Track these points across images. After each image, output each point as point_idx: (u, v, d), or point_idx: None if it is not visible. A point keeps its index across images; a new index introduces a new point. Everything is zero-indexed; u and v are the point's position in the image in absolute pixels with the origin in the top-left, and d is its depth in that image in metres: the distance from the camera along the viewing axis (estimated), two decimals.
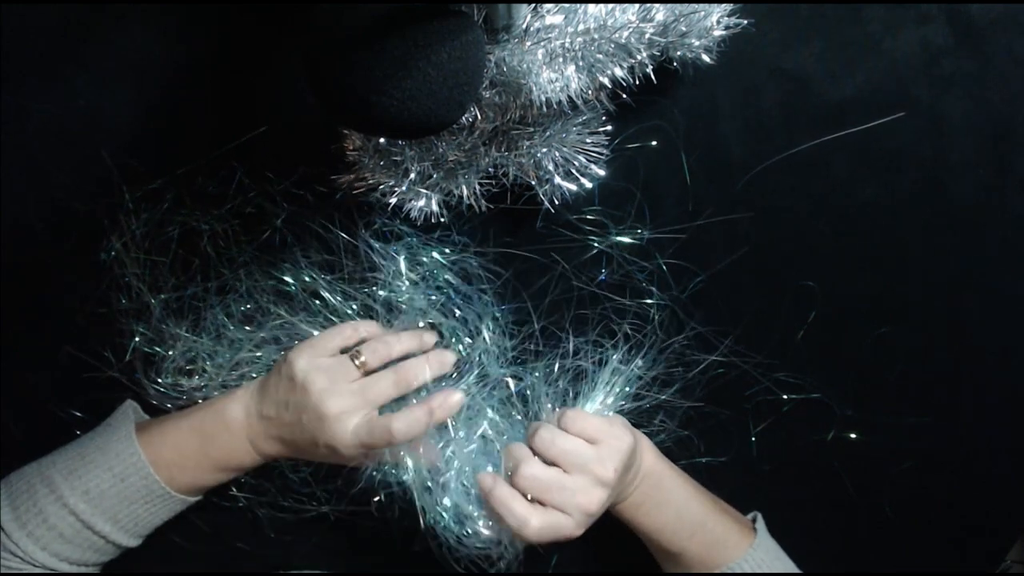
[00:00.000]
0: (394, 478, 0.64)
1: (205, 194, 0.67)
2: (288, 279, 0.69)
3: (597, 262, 0.68)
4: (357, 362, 0.63)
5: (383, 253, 0.67)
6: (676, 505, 0.64)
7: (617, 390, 0.66)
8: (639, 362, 0.67)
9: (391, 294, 0.67)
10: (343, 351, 0.65)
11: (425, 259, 0.68)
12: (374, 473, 0.64)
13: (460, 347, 0.67)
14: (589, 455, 0.58)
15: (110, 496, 0.62)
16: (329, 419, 0.61)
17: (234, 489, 0.72)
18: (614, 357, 0.66)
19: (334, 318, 0.68)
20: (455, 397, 0.62)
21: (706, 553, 0.63)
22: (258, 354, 0.69)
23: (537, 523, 0.57)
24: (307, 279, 0.69)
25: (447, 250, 0.68)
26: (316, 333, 0.67)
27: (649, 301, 0.68)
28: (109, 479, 0.62)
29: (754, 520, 0.68)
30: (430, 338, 0.67)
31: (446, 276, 0.68)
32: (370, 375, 0.63)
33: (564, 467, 0.58)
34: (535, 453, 0.59)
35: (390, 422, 0.60)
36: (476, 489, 0.62)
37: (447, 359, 0.66)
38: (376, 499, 0.67)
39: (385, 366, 0.64)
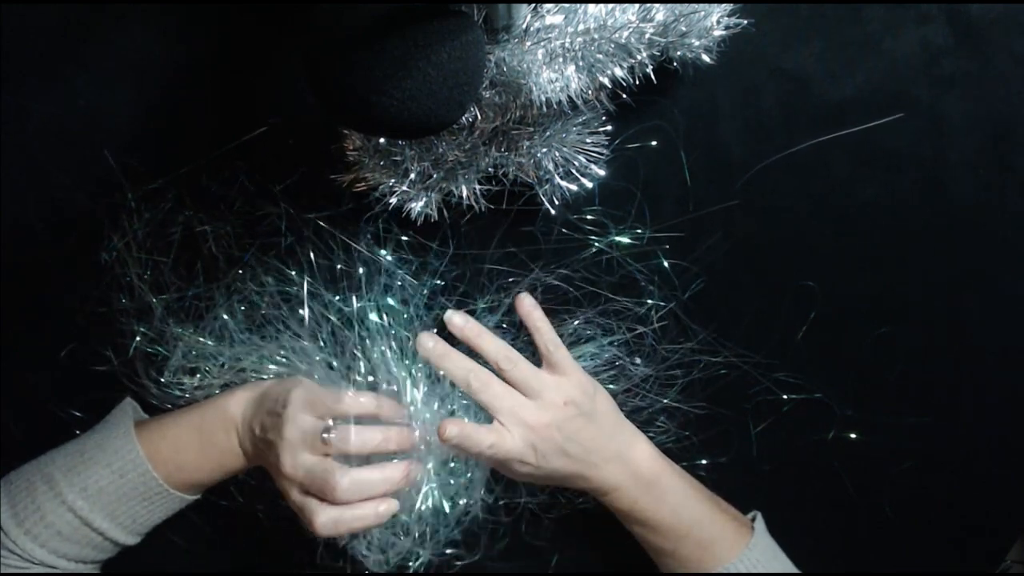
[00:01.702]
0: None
1: (206, 194, 0.67)
2: (288, 280, 0.69)
3: (597, 262, 0.68)
4: (325, 439, 0.59)
5: (385, 267, 0.67)
6: (672, 503, 0.64)
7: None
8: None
9: (386, 300, 0.67)
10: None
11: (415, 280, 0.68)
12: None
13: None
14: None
15: (108, 493, 0.62)
16: (280, 476, 0.60)
17: (233, 489, 0.72)
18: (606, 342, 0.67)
19: (334, 317, 0.68)
20: (390, 507, 0.60)
21: (701, 552, 0.63)
22: (258, 355, 0.69)
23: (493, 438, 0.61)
24: (308, 279, 0.69)
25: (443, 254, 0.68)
26: (318, 335, 0.67)
27: (649, 301, 0.68)
28: (107, 476, 0.62)
29: (753, 519, 0.68)
30: (401, 441, 0.62)
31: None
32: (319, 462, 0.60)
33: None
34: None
35: (313, 517, 0.58)
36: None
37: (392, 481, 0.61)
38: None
39: None
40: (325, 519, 0.58)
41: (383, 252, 0.68)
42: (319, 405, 0.61)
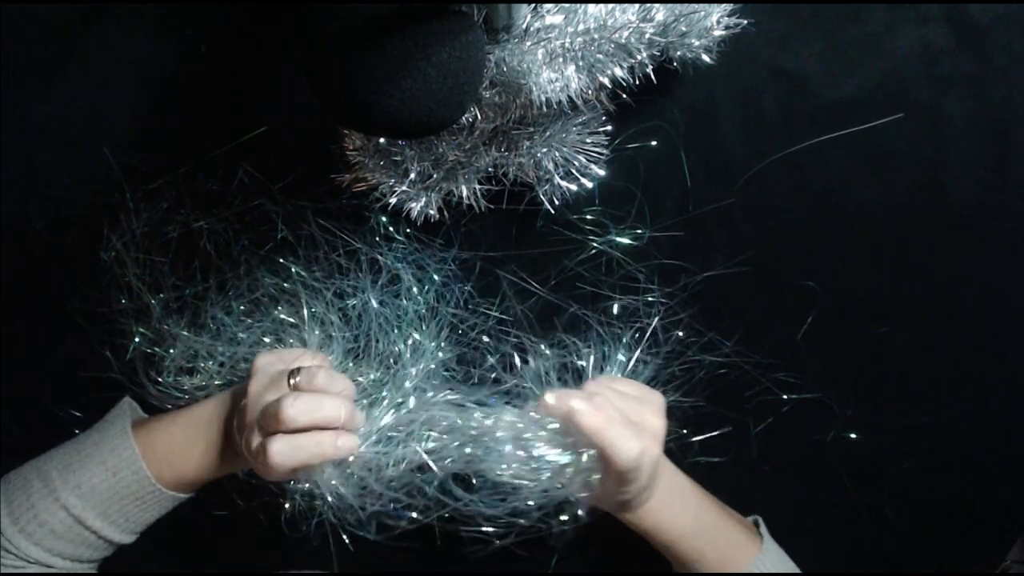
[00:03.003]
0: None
1: (205, 194, 0.67)
2: (287, 278, 0.69)
3: (597, 262, 0.68)
4: (291, 381, 0.58)
5: (386, 262, 0.67)
6: (692, 510, 0.63)
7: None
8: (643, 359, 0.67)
9: (386, 297, 0.68)
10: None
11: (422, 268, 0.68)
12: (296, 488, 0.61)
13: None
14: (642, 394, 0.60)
15: (101, 491, 0.62)
16: (245, 428, 0.58)
17: (232, 491, 0.72)
18: (619, 355, 0.66)
19: (333, 317, 0.68)
20: (347, 443, 0.57)
21: (723, 557, 0.63)
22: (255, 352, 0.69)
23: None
24: (307, 278, 0.69)
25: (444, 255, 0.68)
26: (317, 332, 0.67)
27: (650, 298, 0.68)
28: (101, 473, 0.62)
29: (756, 524, 0.68)
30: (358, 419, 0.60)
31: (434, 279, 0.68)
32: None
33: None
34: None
35: (266, 445, 0.55)
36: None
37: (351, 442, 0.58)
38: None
39: None
40: (280, 445, 0.54)
41: (393, 240, 0.67)
42: (280, 358, 0.62)
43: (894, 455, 0.72)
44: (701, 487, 0.66)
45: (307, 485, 0.60)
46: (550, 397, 0.56)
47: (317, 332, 0.67)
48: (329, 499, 0.59)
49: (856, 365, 0.70)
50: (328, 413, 0.56)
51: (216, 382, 0.69)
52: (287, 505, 0.65)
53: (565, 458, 0.57)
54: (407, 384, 0.64)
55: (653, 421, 0.58)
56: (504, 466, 0.57)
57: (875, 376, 0.71)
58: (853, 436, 0.71)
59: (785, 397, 0.70)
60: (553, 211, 0.66)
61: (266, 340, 0.69)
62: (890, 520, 0.73)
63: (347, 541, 0.66)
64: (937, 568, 0.75)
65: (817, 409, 0.70)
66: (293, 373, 0.58)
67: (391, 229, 0.68)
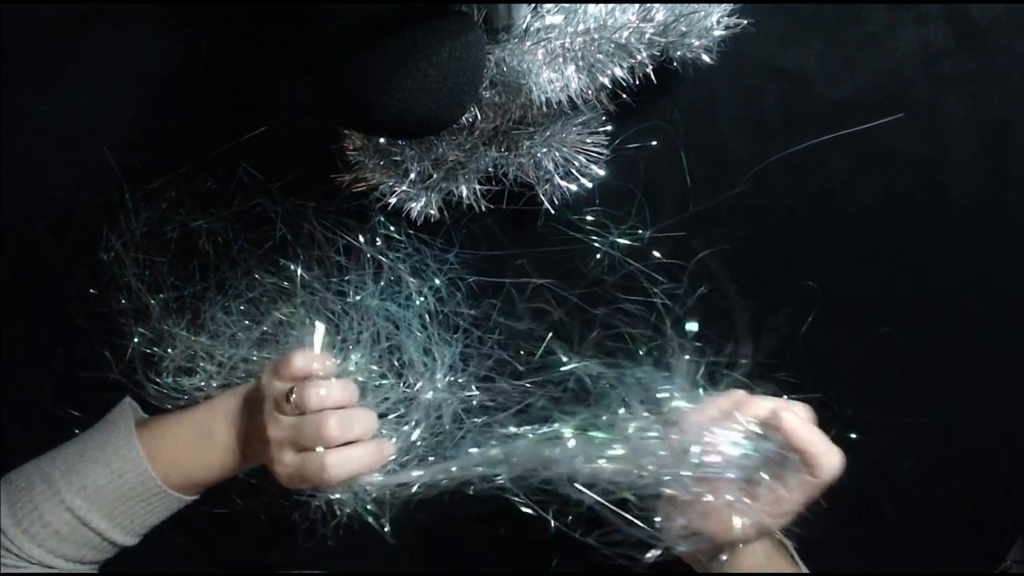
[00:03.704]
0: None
1: (205, 194, 0.67)
2: (287, 278, 0.69)
3: (597, 262, 0.68)
4: (290, 401, 0.60)
5: (388, 261, 0.67)
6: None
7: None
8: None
9: (387, 296, 0.68)
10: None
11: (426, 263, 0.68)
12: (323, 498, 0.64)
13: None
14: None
15: (107, 493, 0.62)
16: (270, 443, 0.60)
17: (232, 491, 0.72)
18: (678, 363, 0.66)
19: (333, 316, 0.68)
20: (388, 449, 0.63)
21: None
22: (256, 356, 0.69)
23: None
24: (306, 278, 0.69)
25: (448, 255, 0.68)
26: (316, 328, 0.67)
27: (651, 299, 0.68)
28: (107, 475, 0.62)
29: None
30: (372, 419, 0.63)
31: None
32: (305, 415, 0.61)
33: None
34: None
35: (323, 460, 0.59)
36: None
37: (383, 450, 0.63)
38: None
39: None
40: (335, 459, 0.59)
41: (393, 239, 0.68)
42: (282, 368, 0.62)
43: (894, 455, 0.72)
44: None
45: (338, 494, 0.64)
46: (743, 400, 0.59)
47: (322, 335, 0.67)
48: (368, 500, 0.64)
49: (856, 365, 0.70)
50: (363, 425, 0.61)
51: (215, 382, 0.69)
52: (314, 504, 0.66)
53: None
54: (430, 393, 0.65)
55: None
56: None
57: (875, 376, 0.71)
58: (853, 436, 0.71)
59: (785, 397, 0.70)
60: (553, 211, 0.66)
61: (267, 338, 0.69)
62: (890, 520, 0.73)
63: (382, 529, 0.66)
64: (937, 568, 0.75)
65: (817, 409, 0.70)
66: (289, 393, 0.60)
67: (391, 228, 0.68)
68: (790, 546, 0.66)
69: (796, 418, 0.57)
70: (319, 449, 0.59)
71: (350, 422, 0.60)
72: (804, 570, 0.65)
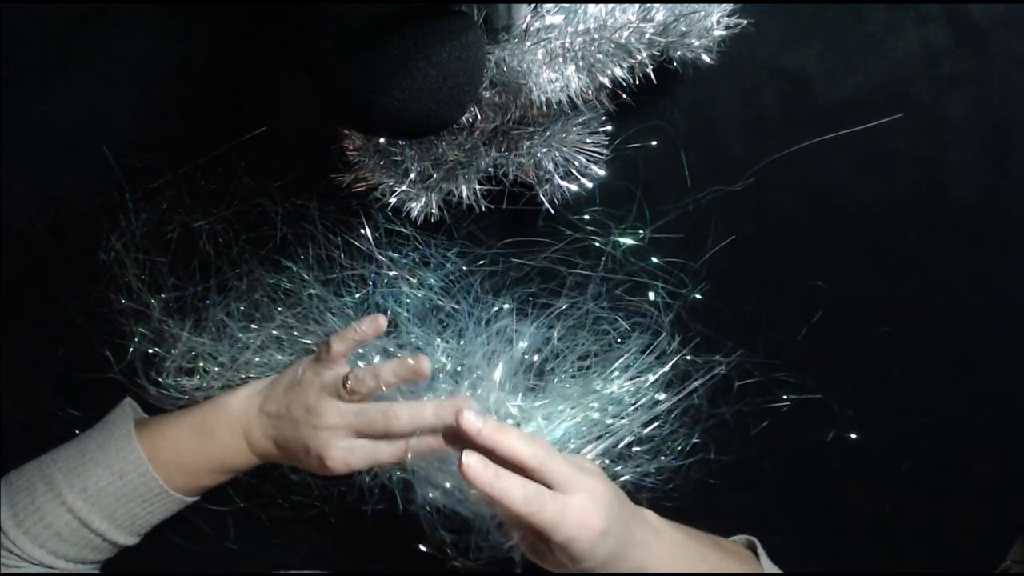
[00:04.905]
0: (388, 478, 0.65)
1: (205, 193, 0.67)
2: (287, 278, 0.69)
3: (597, 262, 0.68)
4: (347, 386, 0.63)
5: (387, 259, 0.67)
6: (697, 559, 0.61)
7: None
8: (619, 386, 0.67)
9: (387, 296, 0.68)
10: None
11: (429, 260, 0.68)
12: (366, 478, 0.66)
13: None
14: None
15: (108, 494, 0.62)
16: (322, 430, 0.62)
17: (232, 491, 0.72)
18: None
19: (332, 316, 0.68)
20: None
21: None
22: (258, 356, 0.69)
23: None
24: (307, 277, 0.69)
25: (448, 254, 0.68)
26: (317, 329, 0.68)
27: (651, 297, 0.68)
28: (108, 477, 0.62)
29: (749, 546, 0.68)
30: (424, 365, 0.63)
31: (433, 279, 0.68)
32: (364, 402, 0.64)
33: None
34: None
35: (377, 450, 0.62)
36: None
37: (444, 410, 0.61)
38: (368, 507, 0.68)
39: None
40: (417, 443, 0.61)
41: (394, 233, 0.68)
42: (326, 360, 0.64)
43: (894, 455, 0.72)
44: (693, 530, 0.64)
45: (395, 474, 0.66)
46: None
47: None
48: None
49: (856, 365, 0.70)
50: (427, 419, 0.61)
51: (217, 383, 0.69)
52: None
53: None
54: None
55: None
56: None
57: (875, 376, 0.71)
58: (853, 436, 0.71)
59: (785, 397, 0.70)
60: (553, 211, 0.66)
61: (268, 338, 0.69)
62: (890, 520, 0.73)
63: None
64: (937, 568, 0.75)
65: (817, 409, 0.70)
66: (345, 379, 0.63)
67: (396, 224, 0.68)
68: (757, 545, 0.67)
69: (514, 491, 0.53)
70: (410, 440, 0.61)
71: (416, 414, 0.61)
72: (770, 566, 0.65)
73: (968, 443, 0.72)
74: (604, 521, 0.53)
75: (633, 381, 0.67)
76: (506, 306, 0.68)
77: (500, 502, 0.52)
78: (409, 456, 0.62)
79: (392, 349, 0.68)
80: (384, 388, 0.63)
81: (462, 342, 0.67)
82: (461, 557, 0.67)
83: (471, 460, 0.53)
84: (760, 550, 0.66)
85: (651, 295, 0.68)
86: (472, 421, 0.55)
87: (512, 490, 0.52)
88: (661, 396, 0.69)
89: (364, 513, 0.71)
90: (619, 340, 0.68)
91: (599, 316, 0.68)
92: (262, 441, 0.65)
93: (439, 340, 0.68)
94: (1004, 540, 0.76)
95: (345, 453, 0.62)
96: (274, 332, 0.69)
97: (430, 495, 0.65)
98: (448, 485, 0.64)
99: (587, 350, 0.68)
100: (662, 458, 0.68)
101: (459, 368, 0.66)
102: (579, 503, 0.54)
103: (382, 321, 0.65)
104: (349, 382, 0.63)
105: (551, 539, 0.53)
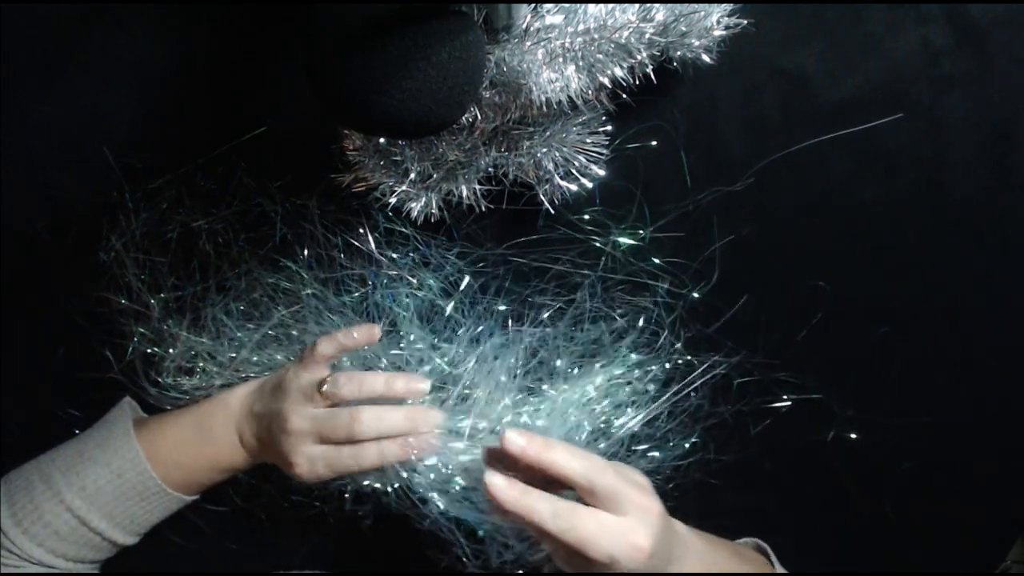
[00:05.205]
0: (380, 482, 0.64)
1: (205, 193, 0.67)
2: (287, 277, 0.69)
3: (597, 262, 0.68)
4: (321, 391, 0.60)
5: (388, 259, 0.67)
6: (725, 567, 0.60)
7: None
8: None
9: (387, 296, 0.67)
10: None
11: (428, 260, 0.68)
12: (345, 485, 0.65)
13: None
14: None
15: (106, 493, 0.62)
16: (289, 435, 0.61)
17: (232, 491, 0.72)
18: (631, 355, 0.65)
19: (332, 316, 0.68)
20: (426, 440, 0.60)
21: None
22: (257, 355, 0.69)
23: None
24: (306, 277, 0.69)
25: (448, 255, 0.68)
26: (317, 329, 0.67)
27: (652, 298, 0.68)
28: (106, 475, 0.62)
29: (758, 550, 0.67)
30: (419, 386, 0.61)
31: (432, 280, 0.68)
32: (336, 407, 0.61)
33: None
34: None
35: (340, 457, 0.60)
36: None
37: (423, 418, 0.60)
38: (364, 508, 0.68)
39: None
40: (372, 449, 0.59)
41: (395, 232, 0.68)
42: (308, 361, 0.62)
43: (894, 455, 0.72)
44: (713, 536, 0.64)
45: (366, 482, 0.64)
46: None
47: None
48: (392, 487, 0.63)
49: (856, 365, 0.70)
50: (399, 423, 0.59)
51: (216, 382, 0.69)
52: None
53: None
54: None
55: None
56: None
57: (875, 376, 0.71)
58: (853, 436, 0.71)
59: (785, 397, 0.70)
60: (553, 211, 0.66)
61: (268, 338, 0.69)
62: (890, 520, 0.73)
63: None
64: (937, 568, 0.75)
65: (817, 409, 0.70)
66: (323, 382, 0.60)
67: (396, 224, 0.68)
68: (767, 549, 0.66)
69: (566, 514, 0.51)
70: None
71: (380, 418, 0.59)
72: (781, 570, 0.65)
73: (968, 443, 0.72)
74: (653, 543, 0.52)
75: (632, 381, 0.67)
76: (503, 307, 0.68)
77: (528, 521, 0.51)
78: (379, 464, 0.60)
79: (385, 363, 0.67)
80: (365, 398, 0.60)
81: (461, 349, 0.66)
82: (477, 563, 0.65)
83: (495, 480, 0.52)
84: (772, 556, 0.66)
85: (651, 295, 0.68)
86: (515, 440, 0.52)
87: (539, 507, 0.51)
88: (661, 396, 0.68)
89: (364, 513, 0.71)
90: (618, 340, 0.68)
91: (598, 316, 0.68)
92: (252, 441, 0.64)
93: (438, 341, 0.67)
94: (1004, 540, 0.76)
95: (309, 460, 0.60)
96: (272, 332, 0.69)
97: (442, 506, 0.62)
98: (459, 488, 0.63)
99: (586, 351, 0.68)
100: (657, 453, 0.68)
101: (454, 373, 0.65)
102: (630, 524, 0.52)
103: (376, 331, 0.63)
104: (325, 387, 0.60)
105: (587, 555, 0.51)
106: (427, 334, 0.67)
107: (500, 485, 0.52)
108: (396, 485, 0.64)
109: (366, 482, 0.65)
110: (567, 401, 0.65)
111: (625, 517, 0.52)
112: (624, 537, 0.51)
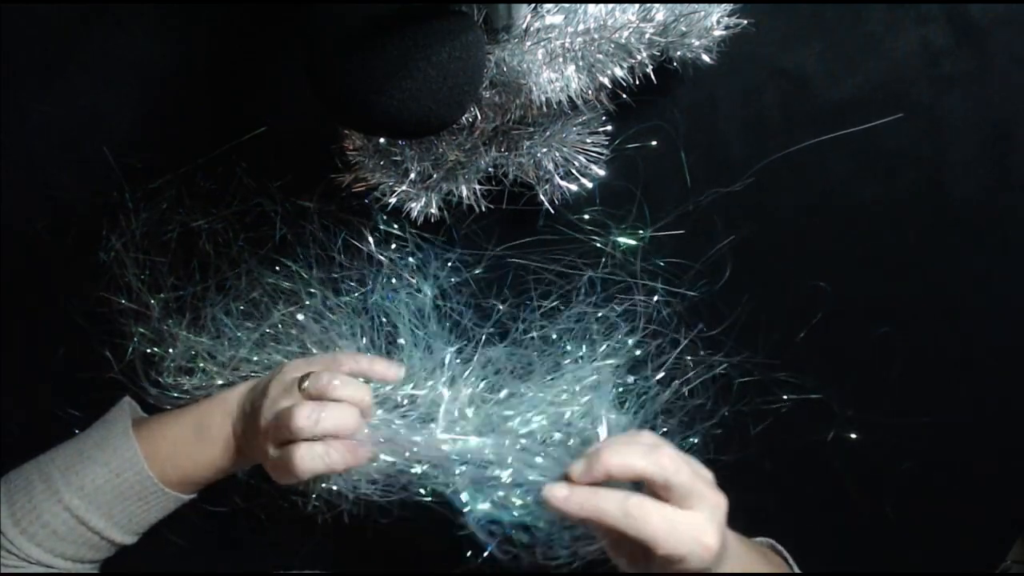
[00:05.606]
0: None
1: (205, 193, 0.67)
2: (286, 277, 0.69)
3: (597, 262, 0.68)
4: (302, 387, 0.58)
5: (388, 260, 0.67)
6: (762, 568, 0.60)
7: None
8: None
9: (386, 296, 0.67)
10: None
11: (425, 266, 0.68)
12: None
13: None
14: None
15: (105, 492, 0.62)
16: (258, 435, 0.59)
17: (232, 491, 0.72)
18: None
19: (331, 315, 0.68)
20: (362, 452, 0.57)
21: None
22: (256, 355, 0.69)
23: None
24: (305, 276, 0.69)
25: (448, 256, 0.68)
26: (316, 328, 0.67)
27: (653, 299, 0.68)
28: (105, 475, 0.62)
29: (776, 552, 0.67)
30: (387, 370, 0.61)
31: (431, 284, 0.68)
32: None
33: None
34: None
35: (291, 453, 0.56)
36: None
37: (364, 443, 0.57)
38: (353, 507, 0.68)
39: None
40: (303, 451, 0.55)
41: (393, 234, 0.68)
42: (313, 362, 0.61)
43: (894, 455, 0.72)
44: (741, 538, 0.62)
45: (331, 487, 0.61)
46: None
47: (343, 340, 0.67)
48: (351, 496, 0.61)
49: (856, 365, 0.70)
50: (337, 423, 0.56)
51: (216, 382, 0.69)
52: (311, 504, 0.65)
53: None
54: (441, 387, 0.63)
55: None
56: None
57: (875, 376, 0.71)
58: (853, 436, 0.71)
59: (785, 397, 0.70)
60: (553, 211, 0.66)
61: (268, 337, 0.69)
62: (890, 520, 0.73)
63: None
64: (937, 568, 0.75)
65: (817, 409, 0.70)
66: (303, 379, 0.59)
67: (395, 226, 0.68)
68: (783, 551, 0.66)
69: (641, 504, 0.50)
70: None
71: (318, 415, 0.56)
72: (797, 570, 0.65)
73: (968, 443, 0.72)
74: (720, 540, 0.51)
75: (632, 380, 0.67)
76: (501, 307, 0.68)
77: (598, 522, 0.50)
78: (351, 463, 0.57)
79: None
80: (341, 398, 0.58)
81: (460, 350, 0.66)
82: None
83: (555, 492, 0.50)
84: (789, 558, 0.66)
85: (650, 295, 0.68)
86: (599, 460, 0.50)
87: (608, 508, 0.49)
88: (661, 396, 0.68)
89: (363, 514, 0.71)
90: (618, 340, 0.68)
91: (597, 316, 0.68)
92: (242, 440, 0.64)
93: (436, 341, 0.67)
94: (1004, 540, 0.76)
95: (272, 463, 0.58)
96: (271, 331, 0.69)
97: (482, 508, 0.58)
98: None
99: (585, 351, 0.68)
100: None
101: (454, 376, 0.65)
102: (700, 521, 0.50)
103: (401, 373, 0.62)
104: (306, 383, 0.58)
105: (656, 552, 0.49)
106: (425, 333, 0.67)
107: (561, 496, 0.50)
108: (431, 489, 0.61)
109: (324, 485, 0.63)
110: (565, 402, 0.65)
111: (696, 513, 0.51)
112: (695, 535, 0.50)
